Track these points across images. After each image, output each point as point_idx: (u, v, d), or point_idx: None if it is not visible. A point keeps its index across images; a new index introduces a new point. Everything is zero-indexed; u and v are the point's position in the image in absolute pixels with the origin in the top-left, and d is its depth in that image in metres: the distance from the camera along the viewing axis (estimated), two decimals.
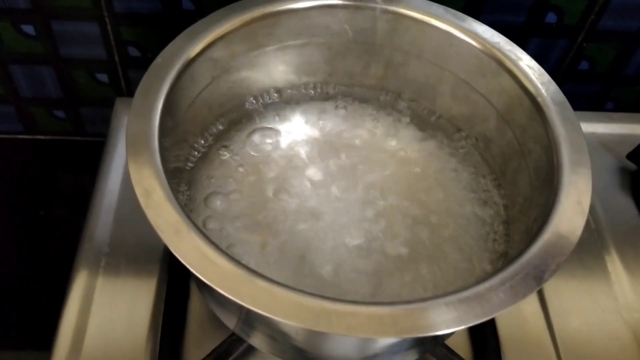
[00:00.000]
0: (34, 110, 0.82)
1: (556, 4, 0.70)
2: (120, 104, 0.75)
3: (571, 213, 0.45)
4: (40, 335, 0.70)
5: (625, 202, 0.70)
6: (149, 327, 0.56)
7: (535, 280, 0.41)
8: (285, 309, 0.38)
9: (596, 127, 0.76)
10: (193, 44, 0.52)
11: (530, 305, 0.61)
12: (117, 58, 0.75)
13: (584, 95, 0.82)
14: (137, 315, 0.57)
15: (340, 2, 0.58)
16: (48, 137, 0.86)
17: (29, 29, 0.71)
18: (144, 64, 0.50)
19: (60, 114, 0.83)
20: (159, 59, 0.51)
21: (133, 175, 0.43)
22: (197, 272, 0.39)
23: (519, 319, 0.60)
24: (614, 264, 0.64)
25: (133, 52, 0.74)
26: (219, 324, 0.55)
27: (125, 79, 0.78)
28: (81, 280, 0.59)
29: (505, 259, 0.53)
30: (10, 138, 0.86)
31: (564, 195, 0.46)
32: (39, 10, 0.69)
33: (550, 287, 0.62)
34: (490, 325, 0.59)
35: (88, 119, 0.84)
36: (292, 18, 0.57)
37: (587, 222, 0.66)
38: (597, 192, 0.69)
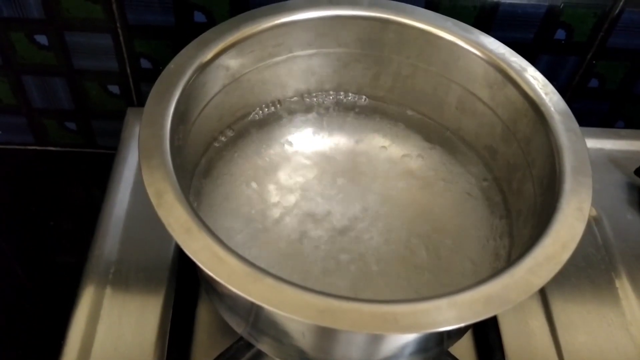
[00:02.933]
0: (46, 121, 0.83)
1: (565, 21, 0.70)
2: (131, 113, 0.75)
3: (572, 219, 0.45)
4: (48, 348, 0.70)
5: (633, 217, 0.70)
6: (157, 335, 0.56)
7: (535, 281, 0.42)
8: (291, 304, 0.38)
9: (604, 143, 0.76)
10: (205, 52, 0.53)
11: (536, 319, 0.61)
12: (129, 70, 0.76)
13: (594, 113, 0.82)
14: (145, 323, 0.57)
15: (349, 13, 0.58)
16: (59, 148, 0.87)
17: (42, 39, 0.72)
18: (156, 76, 0.50)
19: (71, 125, 0.83)
20: (171, 65, 0.51)
21: (145, 177, 0.44)
22: (207, 269, 0.39)
23: (525, 333, 0.60)
24: (621, 279, 0.64)
25: (145, 64, 0.75)
26: (227, 331, 0.55)
27: (137, 92, 0.78)
28: (90, 288, 0.59)
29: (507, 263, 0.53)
30: (21, 149, 0.87)
31: (565, 202, 0.46)
32: (52, 21, 0.70)
33: (557, 301, 0.62)
34: (496, 338, 0.59)
35: (99, 131, 0.84)
36: (302, 28, 0.58)
37: (595, 238, 0.67)
38: (605, 208, 0.70)
